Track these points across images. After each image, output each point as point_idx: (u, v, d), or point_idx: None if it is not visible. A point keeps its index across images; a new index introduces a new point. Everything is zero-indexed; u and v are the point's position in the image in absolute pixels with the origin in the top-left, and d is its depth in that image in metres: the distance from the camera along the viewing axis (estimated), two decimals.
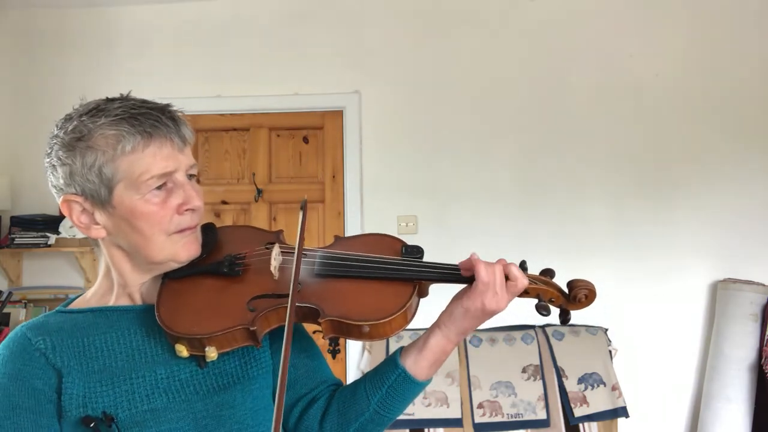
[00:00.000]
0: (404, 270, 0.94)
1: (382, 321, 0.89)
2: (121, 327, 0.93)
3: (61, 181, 0.89)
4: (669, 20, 3.15)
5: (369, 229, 3.21)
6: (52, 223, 3.17)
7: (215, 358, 0.88)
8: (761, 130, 3.09)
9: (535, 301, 0.97)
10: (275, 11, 3.31)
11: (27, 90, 3.39)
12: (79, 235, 3.11)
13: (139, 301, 0.97)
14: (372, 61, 3.26)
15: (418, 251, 0.98)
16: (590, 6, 3.19)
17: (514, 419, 2.80)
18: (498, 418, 2.81)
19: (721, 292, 2.97)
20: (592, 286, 0.96)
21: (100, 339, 0.91)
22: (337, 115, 3.29)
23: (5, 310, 3.01)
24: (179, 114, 0.93)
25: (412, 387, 0.97)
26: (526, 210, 3.16)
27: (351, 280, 0.94)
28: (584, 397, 2.85)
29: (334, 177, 3.30)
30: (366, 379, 1.01)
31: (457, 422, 2.81)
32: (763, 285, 2.91)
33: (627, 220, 3.12)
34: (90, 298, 0.99)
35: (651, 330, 3.07)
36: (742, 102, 3.09)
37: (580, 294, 0.96)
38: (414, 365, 0.97)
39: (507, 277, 0.94)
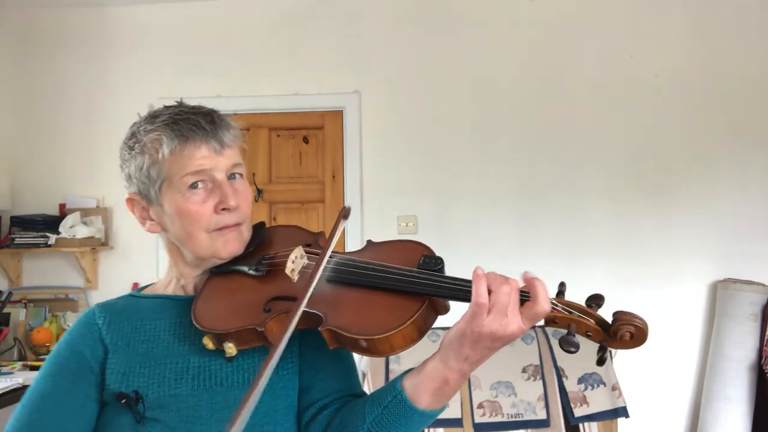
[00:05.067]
0: (412, 283, 0.86)
1: (378, 337, 0.82)
2: (171, 315, 1.00)
3: (125, 182, 1.01)
4: (669, 20, 3.15)
5: (369, 229, 3.21)
6: (52, 223, 3.17)
7: (234, 354, 0.91)
8: (761, 130, 3.09)
9: (565, 332, 0.81)
10: (275, 11, 3.31)
11: (27, 90, 3.39)
12: (79, 235, 3.11)
13: (191, 293, 1.03)
14: (372, 61, 3.25)
15: (436, 263, 0.88)
16: (590, 6, 3.19)
17: (514, 419, 2.80)
18: (498, 418, 2.80)
19: (721, 292, 2.97)
20: (643, 323, 0.80)
21: (151, 325, 0.99)
22: (337, 115, 3.29)
23: (5, 310, 3.01)
24: (225, 118, 1.00)
25: (408, 413, 0.88)
26: (526, 210, 3.16)
27: (361, 290, 0.89)
28: (584, 397, 2.85)
29: (334, 177, 3.30)
30: (371, 395, 0.97)
31: (457, 422, 2.81)
32: (763, 285, 2.91)
33: (627, 219, 3.11)
34: (157, 286, 1.08)
35: (651, 330, 3.05)
36: (742, 102, 3.09)
37: (622, 330, 0.79)
38: (413, 390, 0.87)
39: (523, 299, 0.81)
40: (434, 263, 0.88)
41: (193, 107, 1.00)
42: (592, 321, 0.81)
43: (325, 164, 3.30)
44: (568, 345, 0.78)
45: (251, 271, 0.97)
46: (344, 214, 0.95)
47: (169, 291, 1.05)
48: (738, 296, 2.88)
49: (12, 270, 3.28)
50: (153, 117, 0.98)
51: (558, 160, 3.16)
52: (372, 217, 3.22)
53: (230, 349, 0.90)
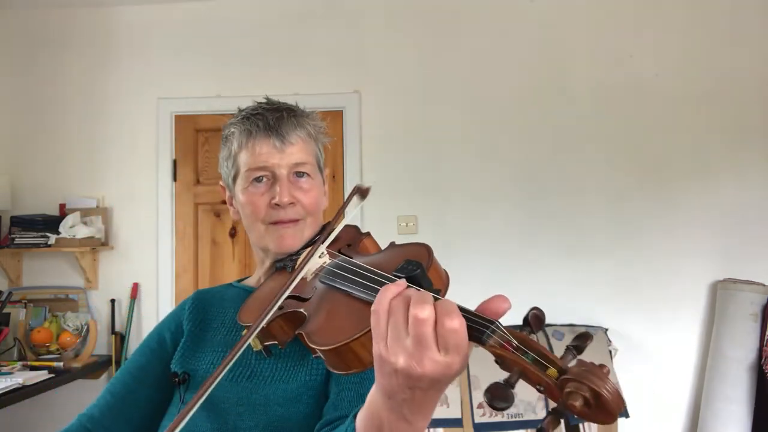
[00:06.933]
0: (369, 289, 0.72)
1: (327, 348, 0.69)
2: (241, 305, 1.02)
3: (219, 171, 1.11)
4: (669, 20, 3.15)
5: (368, 229, 3.20)
6: (52, 223, 3.17)
7: (258, 348, 0.88)
8: (761, 130, 3.09)
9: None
10: (275, 11, 3.31)
11: (27, 90, 3.39)
12: (79, 235, 3.11)
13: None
14: (372, 61, 3.25)
15: (412, 269, 0.67)
16: (590, 6, 3.19)
17: (514, 419, 2.80)
18: (498, 418, 2.81)
19: (721, 292, 2.97)
20: (610, 393, 0.51)
21: (224, 313, 1.06)
22: (337, 115, 3.29)
23: (5, 310, 3.01)
24: (299, 115, 1.07)
25: None
26: (526, 209, 3.16)
27: (340, 295, 0.79)
28: None
29: (334, 177, 3.29)
30: (343, 421, 0.83)
31: (457, 422, 2.81)
32: (763, 285, 2.91)
33: (627, 219, 3.12)
34: (251, 277, 1.14)
35: (651, 330, 3.07)
36: (741, 102, 3.09)
37: (569, 387, 0.52)
38: (360, 423, 0.68)
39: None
40: (411, 269, 0.67)
41: (272, 103, 1.08)
42: (552, 371, 0.54)
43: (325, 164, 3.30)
44: (495, 398, 0.52)
45: (287, 268, 0.99)
46: (359, 191, 0.90)
47: (253, 283, 1.11)
48: (738, 296, 2.88)
49: (12, 270, 3.28)
50: (240, 111, 1.08)
51: (558, 159, 3.16)
52: (372, 217, 3.22)
53: (255, 342, 0.88)
